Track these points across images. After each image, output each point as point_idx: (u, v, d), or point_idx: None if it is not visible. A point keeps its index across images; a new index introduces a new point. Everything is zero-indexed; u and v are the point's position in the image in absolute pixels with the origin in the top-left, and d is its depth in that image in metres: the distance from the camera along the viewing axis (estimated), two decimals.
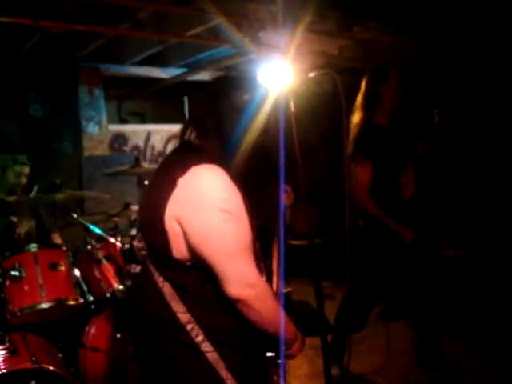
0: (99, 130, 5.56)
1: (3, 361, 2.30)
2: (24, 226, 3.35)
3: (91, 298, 2.95)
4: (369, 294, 3.20)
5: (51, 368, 2.34)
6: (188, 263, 1.42)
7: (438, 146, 3.48)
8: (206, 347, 1.42)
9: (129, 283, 1.64)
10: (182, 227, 1.39)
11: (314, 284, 1.71)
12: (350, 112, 3.13)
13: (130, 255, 1.63)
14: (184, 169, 1.40)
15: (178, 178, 1.39)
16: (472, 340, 3.70)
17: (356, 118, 3.13)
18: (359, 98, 3.16)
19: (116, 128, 5.85)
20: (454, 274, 4.13)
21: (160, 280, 1.44)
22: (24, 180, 3.39)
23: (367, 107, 3.11)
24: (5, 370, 2.24)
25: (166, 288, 1.43)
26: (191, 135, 1.54)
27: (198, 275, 1.42)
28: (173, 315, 1.42)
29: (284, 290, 4.88)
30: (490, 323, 3.73)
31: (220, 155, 1.47)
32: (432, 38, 4.27)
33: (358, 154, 3.03)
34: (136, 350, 1.61)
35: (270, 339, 1.54)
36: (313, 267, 1.74)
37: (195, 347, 1.42)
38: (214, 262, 1.37)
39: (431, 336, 3.28)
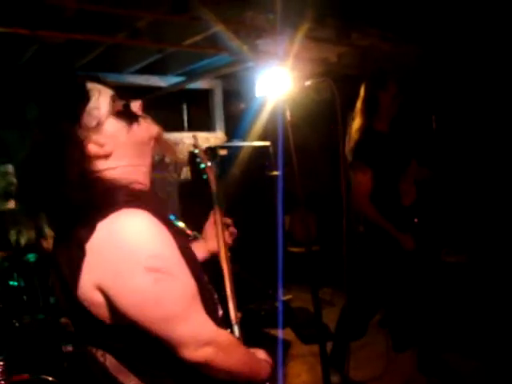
0: None
1: (1, 372, 2.29)
2: (24, 236, 3.34)
3: None
4: (369, 300, 3.19)
5: (50, 378, 2.32)
6: (126, 326, 1.15)
7: (436, 152, 3.48)
8: None
9: (65, 364, 1.40)
10: (105, 296, 1.13)
11: (311, 291, 1.70)
12: (348, 119, 3.14)
13: (58, 332, 1.43)
14: (89, 228, 1.10)
15: (84, 243, 1.10)
16: (472, 345, 3.68)
17: (356, 124, 3.13)
18: (358, 104, 3.17)
19: None
20: (455, 279, 4.12)
21: (99, 354, 1.22)
22: (14, 179, 3.38)
23: (366, 113, 3.12)
24: (3, 382, 2.23)
25: (109, 361, 1.21)
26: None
27: (142, 336, 1.15)
28: None
29: (283, 298, 4.89)
30: (491, 329, 3.71)
31: (134, 191, 1.20)
32: (431, 44, 4.28)
33: (357, 160, 3.04)
34: None
35: None
36: (311, 274, 1.73)
37: None
38: (157, 329, 1.13)
39: (431, 342, 3.27)
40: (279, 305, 4.15)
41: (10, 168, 3.40)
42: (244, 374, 1.28)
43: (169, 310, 1.13)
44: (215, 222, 1.54)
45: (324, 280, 4.45)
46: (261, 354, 1.43)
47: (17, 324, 2.61)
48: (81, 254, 1.11)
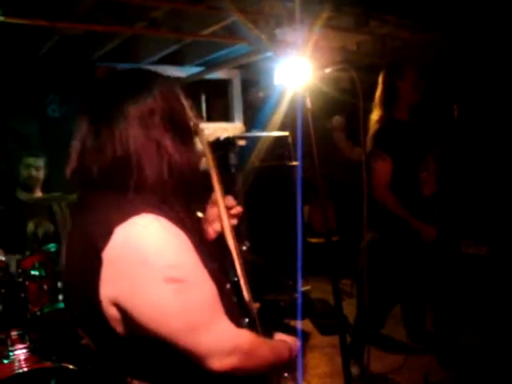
0: None
1: (24, 359, 2.33)
2: (42, 228, 3.38)
3: None
4: (389, 291, 3.17)
5: (71, 367, 2.35)
6: (144, 339, 1.10)
7: (457, 142, 3.43)
8: None
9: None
10: (120, 310, 1.08)
11: (331, 282, 1.69)
12: (368, 109, 3.10)
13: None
14: (106, 234, 1.06)
15: (101, 250, 1.05)
16: (491, 337, 3.64)
17: (375, 114, 3.10)
18: (377, 95, 3.13)
19: None
20: (475, 271, 4.07)
21: (128, 380, 1.15)
22: (35, 173, 3.41)
23: (386, 103, 3.08)
24: (25, 369, 2.27)
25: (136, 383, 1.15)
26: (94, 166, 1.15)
27: (168, 350, 1.10)
28: None
29: (303, 288, 4.87)
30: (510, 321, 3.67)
31: (160, 188, 1.15)
32: (451, 32, 4.21)
33: (377, 149, 3.00)
34: None
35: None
36: (331, 265, 1.71)
37: None
38: (180, 342, 1.07)
39: (452, 334, 3.24)
40: (298, 296, 4.14)
41: (39, 162, 3.43)
42: (269, 365, 1.26)
43: (191, 320, 1.08)
44: (216, 202, 1.43)
45: (343, 271, 4.43)
46: (279, 335, 1.40)
47: (38, 313, 2.65)
48: (98, 264, 1.06)
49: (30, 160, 3.42)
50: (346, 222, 5.04)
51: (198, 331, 1.08)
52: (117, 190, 1.12)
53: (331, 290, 1.77)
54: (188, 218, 1.19)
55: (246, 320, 1.34)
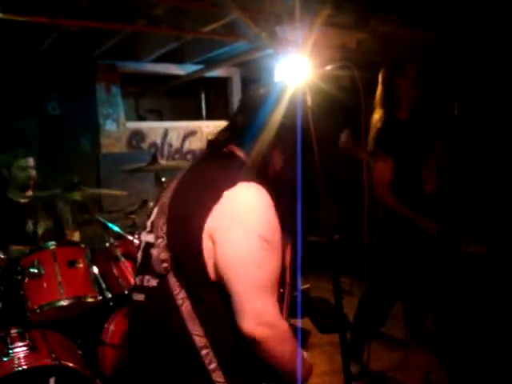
0: (117, 127, 5.60)
1: (23, 357, 2.32)
2: (42, 226, 3.37)
3: (110, 295, 2.95)
4: (389, 289, 3.16)
5: (71, 365, 2.35)
6: (216, 282, 1.30)
7: (458, 140, 3.42)
8: (218, 377, 1.28)
9: (140, 298, 1.43)
10: (213, 243, 1.28)
11: (332, 280, 1.68)
12: (369, 107, 3.09)
13: (142, 266, 1.46)
14: (231, 182, 1.29)
15: (224, 190, 1.28)
16: (491, 336, 3.64)
17: (377, 114, 3.09)
18: (377, 94, 3.12)
19: (133, 125, 5.88)
20: (475, 270, 4.06)
21: (180, 297, 1.31)
22: (33, 172, 3.38)
23: (386, 102, 3.07)
24: (25, 367, 2.26)
25: (186, 306, 1.30)
26: (223, 138, 1.48)
27: (224, 297, 1.29)
28: (188, 337, 1.29)
29: (302, 287, 4.87)
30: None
31: (257, 172, 1.38)
32: (452, 30, 4.20)
33: (378, 149, 3.00)
34: (135, 372, 1.45)
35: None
36: (331, 263, 1.71)
37: (206, 376, 1.28)
38: (237, 290, 1.25)
39: (452, 333, 3.23)
40: (298, 294, 4.13)
41: (31, 161, 3.40)
42: (289, 366, 1.34)
43: (258, 278, 1.26)
44: None
45: (343, 269, 4.43)
46: (305, 355, 1.47)
47: (38, 311, 2.64)
48: (217, 198, 1.28)
49: (24, 162, 3.37)
50: (347, 221, 5.03)
51: (255, 290, 1.25)
52: (231, 160, 1.42)
53: (330, 288, 1.76)
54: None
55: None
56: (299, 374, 1.36)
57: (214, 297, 1.30)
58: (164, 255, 1.34)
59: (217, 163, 1.42)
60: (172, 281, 1.33)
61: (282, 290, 1.47)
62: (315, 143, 1.54)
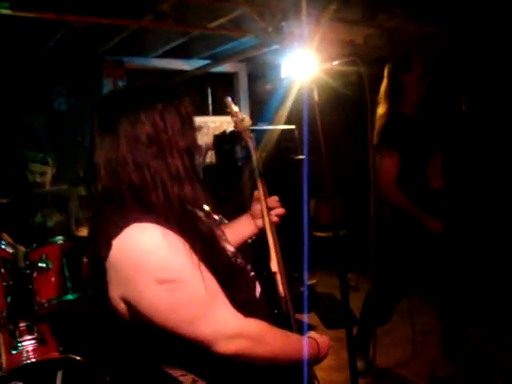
0: None
1: (32, 350, 2.34)
2: (51, 219, 3.39)
3: None
4: (395, 285, 3.16)
5: (78, 358, 2.37)
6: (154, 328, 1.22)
7: (465, 135, 3.41)
8: None
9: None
10: (128, 305, 1.20)
11: (338, 276, 1.69)
12: (374, 102, 3.08)
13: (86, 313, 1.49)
14: (106, 246, 1.17)
15: (104, 260, 1.18)
16: (499, 333, 3.63)
17: (381, 109, 3.08)
18: (383, 89, 3.11)
19: None
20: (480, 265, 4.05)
21: (148, 348, 1.28)
22: (40, 178, 3.42)
23: (391, 97, 3.06)
24: (33, 360, 2.28)
25: (158, 355, 1.27)
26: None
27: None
28: (174, 381, 1.25)
29: (309, 282, 4.87)
30: None
31: (150, 203, 1.20)
32: (459, 25, 4.17)
33: (383, 144, 2.99)
34: None
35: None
36: (337, 259, 1.72)
37: None
38: (182, 332, 1.18)
39: (458, 329, 3.23)
40: (304, 289, 4.14)
41: (37, 167, 3.43)
42: (284, 356, 1.31)
43: (186, 315, 1.17)
44: (259, 199, 1.59)
45: (349, 265, 4.43)
46: (311, 333, 1.48)
47: (46, 305, 2.66)
48: (103, 270, 1.19)
49: (36, 166, 3.41)
50: (353, 217, 5.03)
51: (197, 322, 1.17)
52: (117, 204, 1.22)
53: (337, 283, 1.77)
54: (186, 223, 1.24)
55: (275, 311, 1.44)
56: (304, 355, 1.33)
57: (169, 339, 1.21)
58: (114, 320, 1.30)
59: (102, 220, 1.25)
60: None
61: (252, 274, 1.41)
62: (323, 140, 1.55)
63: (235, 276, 1.32)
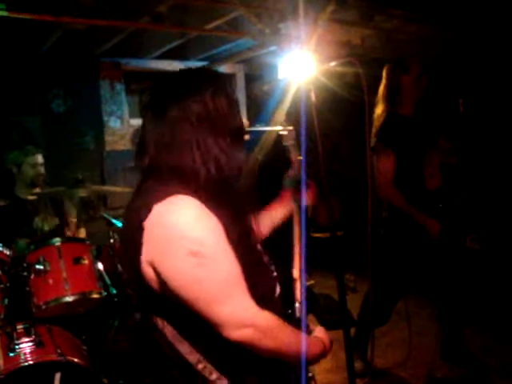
0: (121, 124, 5.60)
1: (29, 353, 2.34)
2: (48, 223, 3.38)
3: (115, 292, 2.97)
4: (393, 287, 3.16)
5: (76, 360, 2.36)
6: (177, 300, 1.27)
7: (463, 137, 3.41)
8: (224, 383, 1.30)
9: (136, 335, 1.48)
10: (155, 271, 1.24)
11: (336, 277, 1.69)
12: (372, 103, 3.09)
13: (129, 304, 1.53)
14: (147, 209, 1.22)
15: (143, 221, 1.22)
16: (497, 333, 3.64)
17: (379, 110, 3.09)
18: (381, 90, 3.12)
19: (138, 122, 5.87)
20: (479, 267, 4.06)
21: (160, 322, 1.32)
22: (42, 169, 3.41)
23: (389, 99, 3.07)
24: (31, 362, 2.27)
25: (167, 329, 1.31)
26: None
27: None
28: (182, 359, 1.30)
29: (306, 283, 4.85)
30: None
31: (196, 178, 1.27)
32: (457, 26, 4.18)
33: (380, 144, 3.00)
34: None
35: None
36: (335, 260, 1.72)
37: None
38: (198, 309, 1.22)
39: (456, 330, 3.23)
40: (302, 290, 4.13)
41: (40, 158, 3.43)
42: (291, 353, 1.33)
43: (209, 292, 1.21)
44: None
45: (347, 266, 4.43)
46: (319, 332, 1.55)
47: (43, 307, 2.65)
48: (140, 230, 1.22)
49: (34, 159, 3.40)
50: (351, 217, 5.03)
51: (213, 302, 1.21)
52: (161, 178, 1.28)
53: (335, 284, 1.77)
54: (226, 206, 1.29)
55: (289, 311, 1.47)
56: (304, 354, 1.35)
57: (188, 314, 1.25)
58: (129, 292, 1.36)
59: (145, 188, 1.34)
60: (147, 311, 1.37)
61: (275, 274, 1.45)
62: (320, 141, 1.55)
63: (259, 271, 1.37)
